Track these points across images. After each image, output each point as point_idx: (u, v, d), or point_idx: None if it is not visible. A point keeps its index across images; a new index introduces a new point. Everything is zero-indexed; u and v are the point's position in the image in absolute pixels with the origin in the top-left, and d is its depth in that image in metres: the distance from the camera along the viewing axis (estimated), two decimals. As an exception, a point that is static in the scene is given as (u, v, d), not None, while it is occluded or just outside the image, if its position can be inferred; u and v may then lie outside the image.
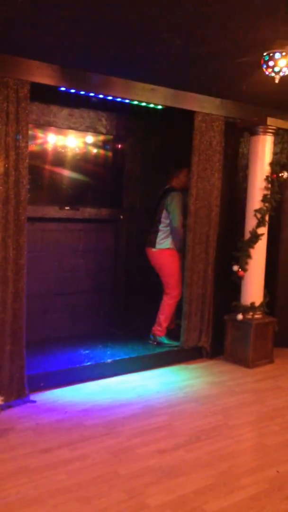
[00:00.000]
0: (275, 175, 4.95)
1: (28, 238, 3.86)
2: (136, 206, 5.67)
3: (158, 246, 5.04)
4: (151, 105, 4.57)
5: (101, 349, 4.84)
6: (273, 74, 3.43)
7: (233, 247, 5.04)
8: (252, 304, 4.99)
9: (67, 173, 5.23)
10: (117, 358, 4.62)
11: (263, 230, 4.98)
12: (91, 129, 5.18)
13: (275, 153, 5.07)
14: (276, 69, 3.35)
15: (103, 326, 5.45)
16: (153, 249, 5.07)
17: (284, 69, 3.37)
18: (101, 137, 5.40)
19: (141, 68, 3.94)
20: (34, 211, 4.77)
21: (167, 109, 4.67)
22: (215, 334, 5.12)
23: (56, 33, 3.17)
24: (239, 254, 5.00)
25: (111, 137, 5.44)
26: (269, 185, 4.93)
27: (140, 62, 3.77)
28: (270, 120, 4.80)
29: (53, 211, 5.06)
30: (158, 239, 5.04)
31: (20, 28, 3.11)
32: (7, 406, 3.71)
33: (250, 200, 5.00)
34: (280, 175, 4.98)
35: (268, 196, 4.93)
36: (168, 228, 5.00)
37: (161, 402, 4.03)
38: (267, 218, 4.97)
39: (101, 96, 4.31)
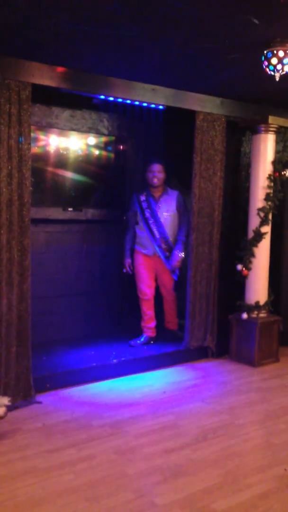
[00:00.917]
0: (277, 174, 4.95)
1: (32, 239, 3.87)
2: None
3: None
4: (153, 105, 4.57)
5: (106, 349, 4.84)
6: (273, 73, 3.43)
7: (237, 247, 5.04)
8: (257, 303, 4.99)
9: (69, 174, 5.25)
10: (123, 359, 4.63)
11: (267, 229, 4.98)
12: (93, 130, 5.19)
13: (277, 152, 5.07)
14: (278, 67, 3.35)
15: (108, 327, 5.45)
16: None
17: (285, 68, 3.36)
18: (103, 138, 5.41)
19: (141, 68, 3.95)
20: (38, 213, 4.78)
21: (169, 110, 4.68)
22: (220, 333, 5.11)
23: (57, 34, 3.19)
24: (243, 253, 5.00)
25: (113, 138, 5.45)
26: (272, 184, 4.92)
27: (141, 62, 3.78)
28: (271, 119, 4.80)
29: (56, 213, 5.07)
30: None
31: (21, 30, 3.12)
32: (14, 406, 3.71)
33: (253, 199, 5.00)
34: (282, 173, 4.99)
35: (271, 195, 4.93)
36: None
37: (168, 402, 4.03)
38: (270, 216, 4.97)
39: (102, 97, 4.33)
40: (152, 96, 4.41)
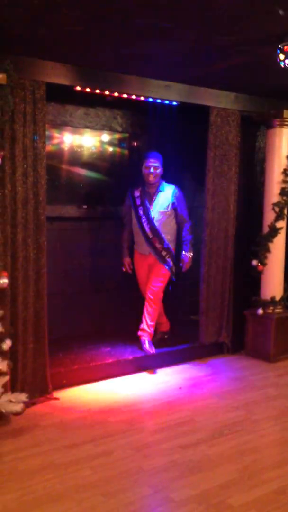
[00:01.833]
0: (292, 168, 4.91)
1: (47, 237, 3.90)
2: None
3: None
4: (166, 102, 4.57)
5: (122, 346, 4.87)
6: (288, 66, 3.40)
7: (252, 242, 5.02)
8: (272, 298, 4.97)
9: (84, 172, 5.26)
10: (138, 355, 4.64)
11: (282, 224, 4.95)
12: (107, 127, 5.20)
13: (292, 146, 5.03)
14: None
15: (124, 323, 5.47)
16: None
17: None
18: (117, 135, 5.42)
19: (155, 64, 3.94)
20: (52, 211, 4.81)
21: (182, 106, 4.66)
22: (236, 329, 5.10)
23: (70, 33, 3.20)
24: (258, 249, 4.98)
25: (126, 135, 5.45)
26: (287, 179, 4.89)
27: (154, 58, 3.78)
28: (286, 113, 4.77)
29: (71, 210, 5.10)
30: None
31: (34, 29, 3.14)
32: (31, 403, 3.76)
33: (268, 194, 4.97)
34: (297, 168, 4.94)
35: (286, 190, 4.90)
36: None
37: (183, 398, 4.05)
38: (285, 211, 4.94)
39: (115, 94, 4.33)
40: (165, 93, 4.40)
